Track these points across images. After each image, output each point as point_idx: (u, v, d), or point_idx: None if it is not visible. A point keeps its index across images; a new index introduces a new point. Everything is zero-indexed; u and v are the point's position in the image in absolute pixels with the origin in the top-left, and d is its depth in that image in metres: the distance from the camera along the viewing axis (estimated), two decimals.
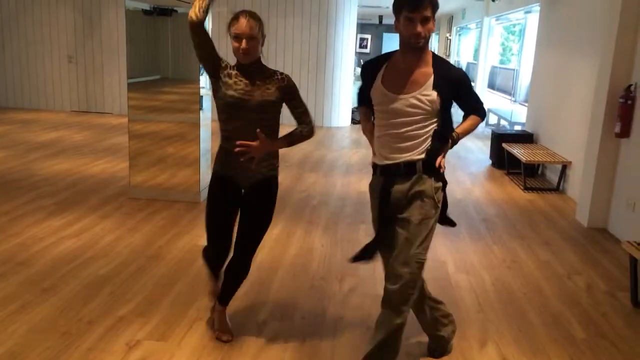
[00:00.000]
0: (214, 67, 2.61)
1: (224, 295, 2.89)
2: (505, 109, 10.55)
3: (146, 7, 5.26)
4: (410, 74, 2.34)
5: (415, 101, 2.33)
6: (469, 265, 4.09)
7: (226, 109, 2.58)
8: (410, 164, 2.40)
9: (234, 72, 2.61)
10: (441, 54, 19.84)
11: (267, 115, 2.62)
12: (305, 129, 2.72)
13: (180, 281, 3.56)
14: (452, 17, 17.74)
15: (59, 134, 8.47)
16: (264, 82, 2.61)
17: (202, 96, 5.23)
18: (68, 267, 3.67)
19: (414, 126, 2.36)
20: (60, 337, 2.83)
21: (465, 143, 9.57)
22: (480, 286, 3.73)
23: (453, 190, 6.26)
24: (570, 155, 6.30)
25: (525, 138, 7.57)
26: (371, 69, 2.47)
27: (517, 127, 8.93)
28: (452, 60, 16.88)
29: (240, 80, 2.58)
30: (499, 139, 7.49)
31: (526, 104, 9.01)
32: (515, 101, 10.45)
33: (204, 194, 5.41)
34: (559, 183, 6.47)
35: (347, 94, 11.06)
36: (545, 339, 3.07)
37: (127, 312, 3.12)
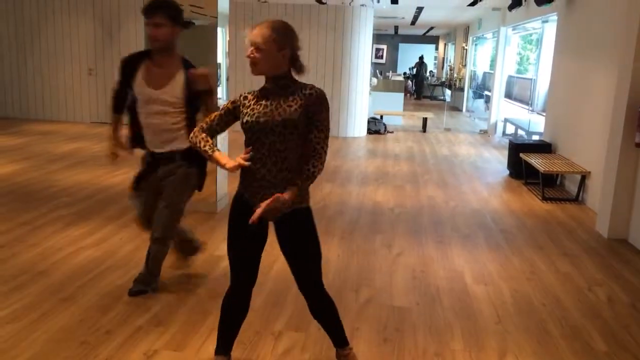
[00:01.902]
0: (237, 118, 2.43)
1: (337, 338, 2.62)
2: (523, 119, 10.47)
3: None
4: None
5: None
6: (487, 276, 4.05)
7: (246, 134, 2.34)
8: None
9: (251, 97, 2.38)
10: (457, 64, 19.80)
11: (290, 137, 2.29)
12: (317, 167, 2.30)
13: (197, 291, 3.58)
14: (468, 27, 17.71)
15: (79, 145, 8.59)
16: (287, 99, 2.31)
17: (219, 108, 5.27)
18: (87, 277, 3.71)
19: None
20: (79, 347, 2.85)
21: (483, 153, 9.51)
22: (498, 297, 3.69)
23: (470, 200, 6.22)
24: (590, 165, 6.23)
25: (543, 148, 7.50)
26: None
27: (535, 137, 8.85)
28: (467, 70, 16.83)
29: (259, 104, 2.33)
30: (517, 149, 7.43)
31: (544, 114, 8.94)
32: (532, 111, 10.37)
33: (221, 204, 5.44)
34: (578, 193, 6.39)
35: (364, 105, 11.07)
36: (566, 352, 3.03)
37: (145, 322, 3.14)
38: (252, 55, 2.28)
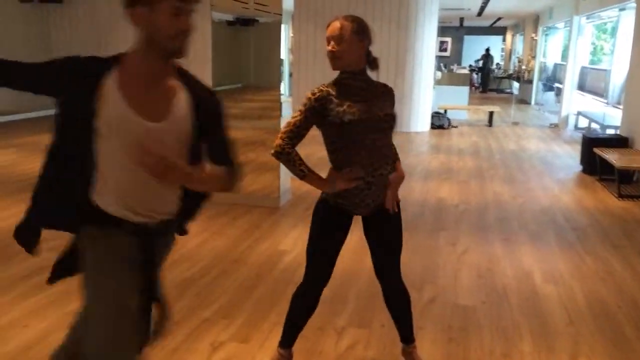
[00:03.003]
0: (323, 118, 2.22)
1: (406, 333, 2.63)
2: (597, 112, 9.99)
3: (230, 18, 5.44)
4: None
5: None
6: (557, 276, 3.89)
7: (339, 137, 2.21)
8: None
9: (333, 93, 2.21)
10: (526, 56, 19.13)
11: (389, 132, 2.30)
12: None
13: (262, 285, 3.63)
14: (539, 16, 17.06)
15: None
16: (376, 94, 2.28)
17: (282, 103, 5.33)
18: None
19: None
20: None
21: (553, 148, 9.15)
22: (570, 298, 3.54)
23: (538, 197, 6.00)
24: None
25: (619, 142, 7.13)
26: None
27: (610, 131, 8.43)
28: (537, 61, 16.22)
29: (350, 100, 2.19)
30: (590, 144, 7.09)
31: (620, 106, 8.49)
32: (607, 103, 9.88)
33: (284, 199, 5.51)
34: None
35: (428, 99, 10.89)
36: None
37: (211, 314, 3.22)
38: (334, 49, 2.17)
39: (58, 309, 3.21)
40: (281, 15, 5.22)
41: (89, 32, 11.49)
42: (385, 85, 2.35)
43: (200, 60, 11.45)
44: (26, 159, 7.25)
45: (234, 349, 2.86)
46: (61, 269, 1.86)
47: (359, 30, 2.19)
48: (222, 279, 3.71)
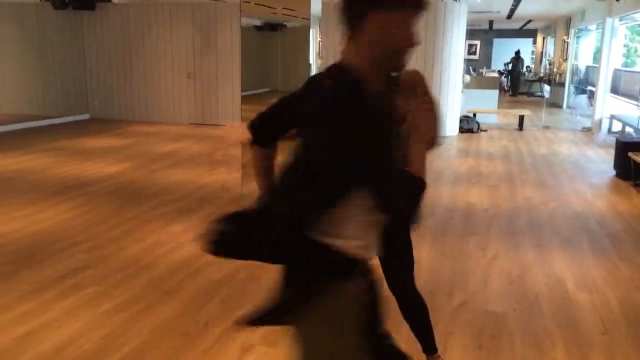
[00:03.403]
0: None
1: (426, 343, 2.57)
2: (631, 115, 9.76)
3: (257, 23, 5.48)
4: None
5: None
6: (591, 283, 3.81)
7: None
8: None
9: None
10: (557, 59, 18.82)
11: None
12: None
13: None
14: (570, 18, 16.76)
15: (179, 146, 9.03)
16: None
17: None
18: (186, 272, 3.89)
19: None
20: (180, 338, 3.00)
21: (586, 152, 8.97)
22: (604, 306, 3.46)
23: (571, 202, 5.88)
24: None
25: None
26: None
27: None
28: (569, 64, 15.94)
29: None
30: (624, 148, 6.93)
31: None
32: None
33: None
34: None
35: (455, 103, 10.80)
36: None
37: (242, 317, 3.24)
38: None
39: (91, 310, 3.28)
40: (309, 19, 5.24)
41: (120, 37, 11.73)
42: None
43: (227, 65, 11.58)
44: (61, 164, 7.43)
45: (264, 353, 2.87)
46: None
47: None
48: (250, 282, 3.73)
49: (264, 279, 3.77)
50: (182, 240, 4.54)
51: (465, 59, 11.40)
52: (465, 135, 10.79)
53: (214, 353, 2.85)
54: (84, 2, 11.33)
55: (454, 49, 10.51)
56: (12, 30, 11.66)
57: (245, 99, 5.62)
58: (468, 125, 11.08)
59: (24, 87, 11.89)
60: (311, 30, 5.39)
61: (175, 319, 3.21)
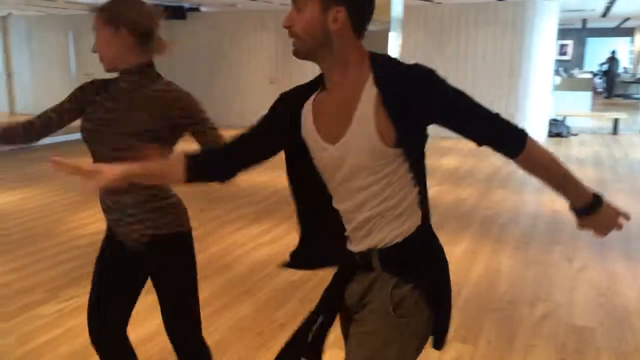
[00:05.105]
0: None
1: None
2: None
3: None
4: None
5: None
6: None
7: None
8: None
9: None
10: None
11: None
12: None
13: None
14: None
15: None
16: None
17: None
18: (264, 272, 3.98)
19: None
20: (255, 337, 3.07)
21: None
22: None
23: None
24: None
25: None
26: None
27: None
28: None
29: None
30: None
31: None
32: None
33: None
34: None
35: (544, 106, 10.34)
36: None
37: None
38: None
39: None
40: (389, 22, 5.22)
41: (209, 45, 12.21)
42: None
43: (308, 71, 11.74)
44: None
45: (336, 355, 2.88)
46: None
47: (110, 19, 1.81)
48: (325, 284, 3.75)
49: None
50: (260, 241, 4.65)
51: (555, 60, 10.90)
52: (553, 139, 10.31)
53: None
54: (177, 11, 11.93)
55: (543, 50, 10.07)
56: None
57: None
58: (556, 129, 10.59)
59: None
60: (393, 33, 5.36)
61: (252, 318, 3.29)
